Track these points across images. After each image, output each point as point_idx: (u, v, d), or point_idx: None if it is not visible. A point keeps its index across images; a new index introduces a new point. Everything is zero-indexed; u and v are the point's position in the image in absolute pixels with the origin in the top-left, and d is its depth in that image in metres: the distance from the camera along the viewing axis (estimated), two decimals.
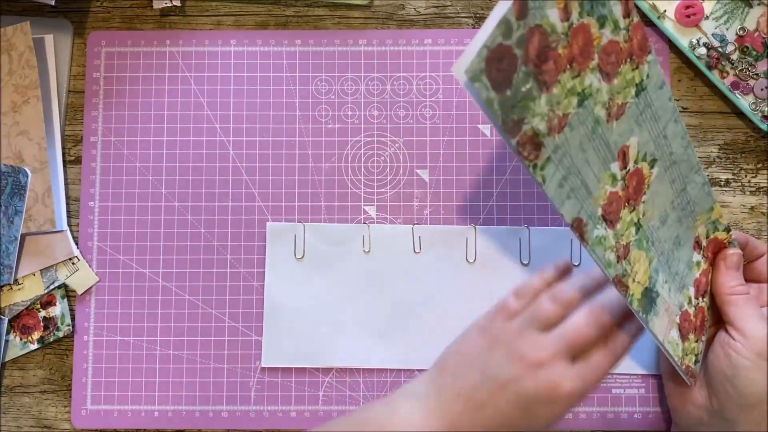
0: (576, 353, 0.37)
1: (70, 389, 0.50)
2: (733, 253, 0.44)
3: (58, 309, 0.50)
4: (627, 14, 0.36)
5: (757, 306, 0.43)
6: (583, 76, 0.35)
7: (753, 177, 0.51)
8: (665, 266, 0.41)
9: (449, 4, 0.53)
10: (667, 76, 0.51)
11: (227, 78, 0.52)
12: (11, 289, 0.50)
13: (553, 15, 0.32)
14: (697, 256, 0.43)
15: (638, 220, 0.39)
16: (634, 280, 0.38)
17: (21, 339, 0.50)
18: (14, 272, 0.50)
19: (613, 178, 0.37)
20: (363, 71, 0.52)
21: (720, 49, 0.50)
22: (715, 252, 0.45)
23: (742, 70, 0.50)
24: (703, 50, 0.50)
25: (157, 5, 0.53)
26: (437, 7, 0.53)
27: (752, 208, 0.51)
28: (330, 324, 0.50)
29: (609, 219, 0.37)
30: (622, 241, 0.38)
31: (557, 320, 0.38)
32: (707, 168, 0.51)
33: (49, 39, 0.52)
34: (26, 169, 0.50)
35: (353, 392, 0.49)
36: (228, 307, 0.50)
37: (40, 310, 0.50)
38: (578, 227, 0.36)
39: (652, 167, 0.39)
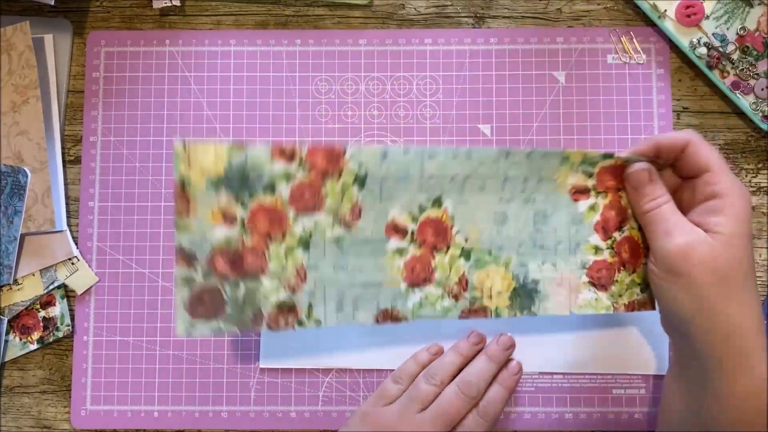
0: (452, 423, 0.42)
1: (70, 389, 0.50)
2: (631, 172, 0.41)
3: (58, 309, 0.50)
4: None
5: (672, 216, 0.39)
6: (291, 231, 0.37)
7: (753, 177, 0.51)
8: (533, 251, 0.42)
9: (449, 4, 0.53)
10: (668, 76, 0.51)
11: (227, 78, 0.52)
12: (11, 289, 0.50)
13: (219, 231, 0.36)
14: (583, 204, 0.42)
15: (462, 250, 0.41)
16: (490, 297, 0.41)
17: (21, 339, 0.50)
18: (14, 272, 0.50)
19: (399, 252, 0.40)
20: (363, 71, 0.52)
21: (720, 49, 0.50)
22: (616, 177, 0.42)
23: (743, 69, 0.49)
24: (703, 50, 0.50)
25: (156, 5, 0.52)
26: (437, 7, 0.53)
27: (752, 208, 0.51)
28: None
29: (420, 281, 0.40)
30: (452, 280, 0.41)
31: (433, 398, 0.43)
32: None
33: (48, 39, 0.52)
34: (26, 169, 0.50)
35: (353, 392, 0.49)
36: None
37: (40, 310, 0.50)
38: (385, 317, 0.40)
39: (440, 206, 0.40)
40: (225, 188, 0.37)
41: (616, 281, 0.43)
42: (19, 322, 0.50)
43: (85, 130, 0.52)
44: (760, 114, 0.49)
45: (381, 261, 0.40)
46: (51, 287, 0.50)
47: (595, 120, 0.51)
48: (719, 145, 0.51)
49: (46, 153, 0.51)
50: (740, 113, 0.51)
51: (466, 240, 0.41)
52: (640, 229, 0.42)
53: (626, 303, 0.43)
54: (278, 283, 0.37)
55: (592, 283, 0.43)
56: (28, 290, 0.50)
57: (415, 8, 0.53)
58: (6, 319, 0.50)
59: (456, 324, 0.46)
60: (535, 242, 0.42)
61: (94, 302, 0.50)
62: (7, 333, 0.50)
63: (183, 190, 0.37)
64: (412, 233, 0.40)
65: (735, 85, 0.50)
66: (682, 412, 0.41)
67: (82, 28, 0.53)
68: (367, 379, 0.50)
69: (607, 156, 0.41)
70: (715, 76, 0.50)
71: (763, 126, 0.49)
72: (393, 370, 0.49)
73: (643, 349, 0.49)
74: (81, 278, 0.50)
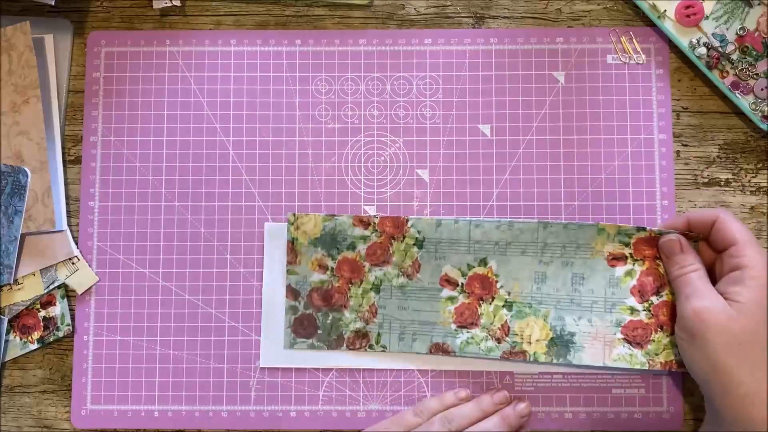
0: None
1: (70, 389, 0.50)
2: (664, 241, 0.46)
3: (58, 309, 0.50)
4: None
5: (697, 282, 0.43)
6: (366, 278, 0.48)
7: (753, 177, 0.51)
8: (570, 307, 0.47)
9: (449, 4, 0.53)
10: (667, 76, 0.51)
11: (227, 78, 0.52)
12: (11, 289, 0.50)
13: (316, 276, 0.49)
14: (620, 269, 0.47)
15: (505, 302, 0.48)
16: (530, 343, 0.47)
17: (21, 339, 0.50)
18: (14, 272, 0.50)
19: (451, 299, 0.48)
20: (363, 71, 0.52)
21: (720, 49, 0.50)
22: (653, 247, 0.47)
23: (742, 69, 0.50)
24: (703, 50, 0.50)
25: (157, 5, 0.52)
26: (437, 7, 0.53)
27: (752, 208, 0.51)
28: None
29: (467, 324, 0.48)
30: (495, 326, 0.47)
31: None
32: (708, 168, 0.51)
33: (48, 39, 0.52)
34: (26, 168, 0.50)
35: (353, 392, 0.49)
36: (228, 307, 0.50)
37: (40, 310, 0.50)
38: (437, 350, 0.48)
39: (486, 265, 0.48)
40: (321, 246, 0.49)
41: (653, 341, 0.46)
42: (20, 322, 0.50)
43: (85, 130, 0.52)
44: (760, 114, 0.49)
45: (435, 305, 0.48)
46: (51, 287, 0.50)
47: (594, 120, 0.51)
48: (719, 145, 0.51)
49: (46, 153, 0.51)
50: (740, 113, 0.51)
51: (509, 293, 0.48)
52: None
53: (662, 361, 0.46)
54: (356, 315, 0.49)
55: (627, 341, 0.47)
56: (29, 290, 0.50)
57: (415, 8, 0.53)
58: (6, 318, 0.50)
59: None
60: (572, 300, 0.47)
61: (94, 302, 0.51)
62: (8, 333, 0.50)
63: (293, 246, 0.49)
64: (462, 285, 0.48)
65: (734, 85, 0.50)
66: None
67: (83, 28, 0.53)
68: (367, 379, 0.50)
69: (641, 229, 0.46)
70: (714, 76, 0.50)
71: (763, 126, 0.49)
72: (393, 370, 0.49)
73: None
74: (81, 278, 0.50)
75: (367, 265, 0.48)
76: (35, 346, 0.50)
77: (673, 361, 0.46)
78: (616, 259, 0.47)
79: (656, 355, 0.46)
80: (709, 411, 0.44)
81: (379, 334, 0.48)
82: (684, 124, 0.51)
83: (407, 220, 0.48)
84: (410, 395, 0.49)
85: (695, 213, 0.45)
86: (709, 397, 0.42)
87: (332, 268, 0.48)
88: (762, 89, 0.49)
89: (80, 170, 0.52)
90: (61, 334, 0.50)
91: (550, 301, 0.47)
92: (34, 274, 0.50)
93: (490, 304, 0.48)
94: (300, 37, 0.53)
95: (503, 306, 0.48)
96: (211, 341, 0.50)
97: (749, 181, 0.51)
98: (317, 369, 0.50)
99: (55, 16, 0.53)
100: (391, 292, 0.48)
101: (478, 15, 0.53)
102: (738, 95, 0.50)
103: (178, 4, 0.52)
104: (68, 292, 0.51)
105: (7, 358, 0.50)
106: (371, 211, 0.51)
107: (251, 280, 0.50)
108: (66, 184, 0.52)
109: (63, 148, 0.52)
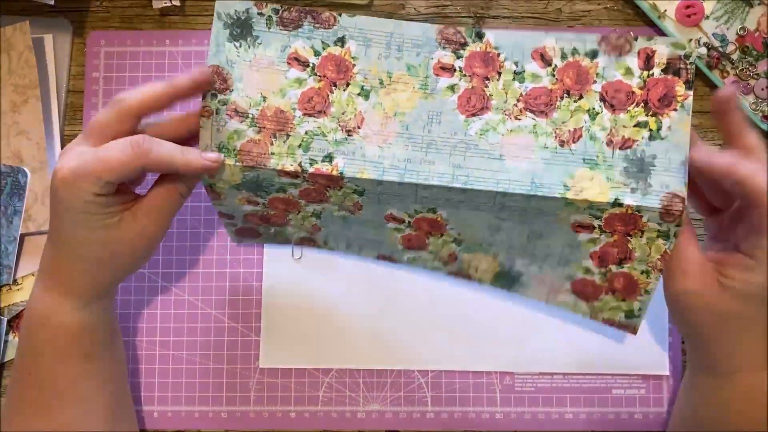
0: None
1: None
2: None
3: None
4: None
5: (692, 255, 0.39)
6: (304, 210, 0.45)
7: None
8: (522, 254, 0.44)
9: (449, 4, 0.53)
10: None
11: None
12: (11, 289, 0.50)
13: (247, 207, 0.45)
14: (584, 236, 0.42)
15: (454, 239, 0.45)
16: (476, 270, 0.46)
17: None
18: (14, 272, 0.50)
19: (397, 230, 0.46)
20: None
21: (720, 49, 0.50)
22: (627, 224, 0.41)
23: (743, 69, 0.50)
24: (703, 50, 0.50)
25: (156, 5, 0.52)
26: (437, 7, 0.53)
27: None
28: (329, 324, 0.50)
29: (415, 248, 0.46)
30: (444, 253, 0.46)
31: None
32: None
33: (48, 39, 0.52)
34: (25, 168, 0.50)
35: (353, 392, 0.49)
36: (228, 307, 0.50)
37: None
38: (384, 258, 0.48)
39: (435, 213, 0.43)
40: (245, 189, 0.43)
41: (600, 300, 0.44)
42: (20, 322, 0.50)
43: None
44: (760, 114, 0.49)
45: (381, 232, 0.46)
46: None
47: None
48: (719, 145, 0.51)
49: (45, 153, 0.51)
50: None
51: (459, 234, 0.45)
52: (643, 273, 0.42)
53: (605, 318, 0.45)
54: (299, 229, 0.47)
55: (575, 293, 0.45)
56: (28, 290, 0.50)
57: (415, 8, 0.53)
58: (6, 319, 0.50)
59: (457, 324, 0.49)
60: (525, 249, 0.44)
61: None
62: (7, 333, 0.50)
63: (212, 189, 0.44)
64: (409, 222, 0.45)
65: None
66: (703, 408, 0.43)
67: (82, 28, 0.53)
68: (367, 379, 0.50)
69: (617, 204, 0.40)
70: (715, 76, 0.50)
71: (763, 126, 0.49)
72: (393, 371, 0.49)
73: (643, 349, 0.49)
74: None
75: (302, 201, 0.44)
76: None
77: (617, 322, 0.44)
78: (581, 227, 0.41)
79: (600, 311, 0.44)
80: (701, 356, 0.42)
81: (326, 241, 0.48)
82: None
83: (341, 177, 0.41)
84: (410, 395, 0.49)
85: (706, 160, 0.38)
86: (705, 342, 0.41)
87: (263, 203, 0.44)
88: (762, 89, 0.49)
89: None
90: None
91: (502, 245, 0.44)
92: (33, 274, 0.50)
93: (439, 238, 0.45)
94: None
95: (452, 242, 0.45)
96: (211, 341, 0.50)
97: None
98: (317, 369, 0.50)
99: (54, 16, 0.53)
100: (333, 219, 0.45)
101: (478, 15, 0.53)
102: (738, 95, 0.50)
103: (178, 4, 0.52)
104: None
105: (7, 358, 0.50)
106: None
107: (251, 281, 0.50)
108: None
109: (63, 148, 0.52)
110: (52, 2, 0.49)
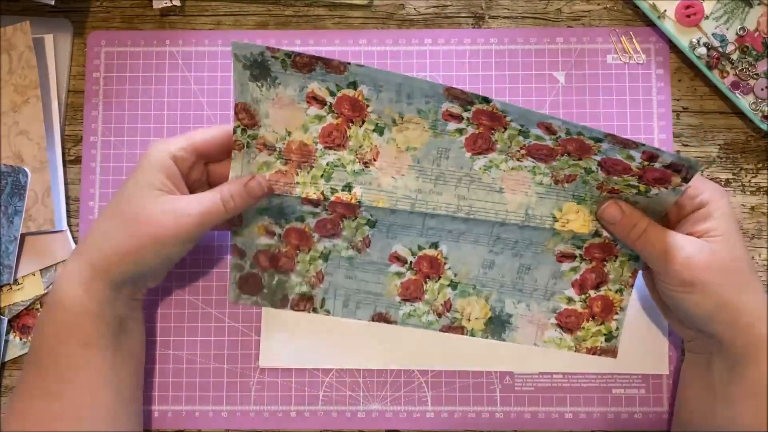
0: None
1: None
2: (602, 211, 0.44)
3: None
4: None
5: (661, 235, 0.42)
6: (314, 247, 0.48)
7: (753, 177, 0.51)
8: (512, 292, 0.48)
9: (449, 4, 0.53)
10: (667, 76, 0.51)
11: (227, 78, 0.52)
12: (11, 289, 0.50)
13: (263, 239, 0.47)
14: (567, 265, 0.47)
15: (450, 282, 0.48)
16: (468, 320, 0.49)
17: (21, 339, 0.50)
18: (14, 272, 0.50)
19: (398, 274, 0.48)
20: None
21: (720, 49, 0.50)
22: (604, 252, 0.46)
23: (743, 69, 0.50)
24: (703, 50, 0.50)
25: (157, 5, 0.52)
26: (437, 7, 0.53)
27: (752, 208, 0.51)
28: (329, 324, 0.50)
29: (412, 298, 0.49)
30: (438, 302, 0.48)
31: None
32: (708, 168, 0.51)
33: (49, 39, 0.52)
34: (26, 168, 0.50)
35: (353, 392, 0.49)
36: (228, 307, 0.50)
37: (40, 310, 0.50)
38: (380, 318, 0.49)
39: (436, 248, 0.47)
40: (268, 215, 0.47)
41: (583, 328, 0.48)
42: (20, 322, 0.50)
43: (85, 130, 0.52)
44: (760, 114, 0.49)
45: (383, 278, 0.48)
46: (51, 287, 0.50)
47: (594, 120, 0.51)
48: (719, 145, 0.51)
49: (46, 153, 0.51)
50: (740, 113, 0.51)
51: (456, 275, 0.48)
52: (617, 291, 0.47)
53: (588, 347, 0.48)
54: (302, 279, 0.49)
55: (560, 326, 0.48)
56: (29, 290, 0.50)
57: (415, 8, 0.53)
58: (6, 318, 0.50)
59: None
60: (515, 286, 0.48)
61: None
62: (8, 333, 0.50)
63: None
64: (411, 263, 0.48)
65: (735, 85, 0.50)
66: (707, 406, 0.43)
67: (83, 28, 0.53)
68: (367, 379, 0.50)
69: (596, 235, 0.45)
70: (714, 76, 0.50)
71: (763, 126, 0.49)
72: (393, 371, 0.49)
73: (643, 349, 0.49)
74: None
75: (316, 235, 0.47)
76: None
77: (599, 348, 0.48)
78: (565, 256, 0.47)
79: (584, 341, 0.48)
80: (704, 353, 0.44)
81: (324, 299, 0.49)
82: (684, 124, 0.51)
83: (359, 206, 0.46)
84: (410, 395, 0.49)
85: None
86: (714, 335, 0.42)
87: (279, 234, 0.47)
88: (762, 89, 0.49)
89: (80, 170, 0.52)
90: None
91: (494, 285, 0.48)
92: (34, 274, 0.50)
93: (436, 282, 0.48)
94: (300, 37, 0.53)
95: (448, 285, 0.48)
96: (211, 341, 0.50)
97: (749, 181, 0.51)
98: (317, 369, 0.50)
99: (55, 16, 0.53)
100: (339, 262, 0.48)
101: (478, 15, 0.53)
102: (738, 95, 0.50)
103: (178, 4, 0.52)
104: None
105: (7, 358, 0.50)
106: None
107: None
108: (66, 184, 0.52)
109: (63, 148, 0.52)
110: (53, 2, 0.49)
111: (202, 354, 0.50)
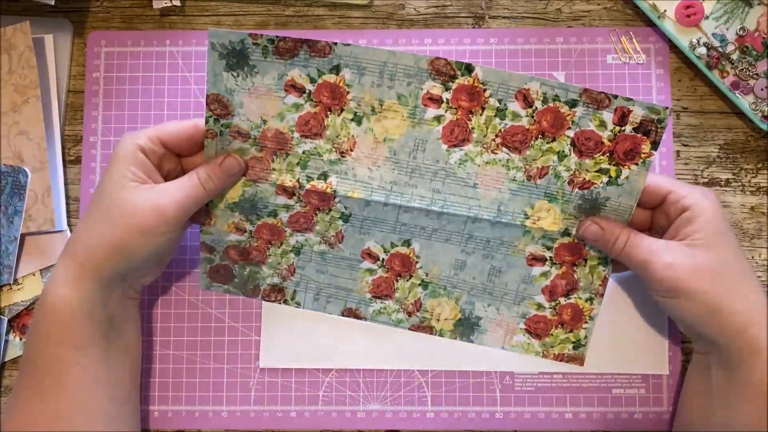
0: None
1: None
2: (582, 233, 0.44)
3: None
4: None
5: (642, 244, 0.42)
6: (287, 241, 0.48)
7: (753, 177, 0.51)
8: (482, 295, 0.48)
9: (449, 4, 0.53)
10: (667, 76, 0.51)
11: None
12: (11, 289, 0.50)
13: (233, 236, 0.47)
14: (537, 269, 0.47)
15: (421, 281, 0.48)
16: (438, 320, 0.49)
17: (21, 339, 0.50)
18: (14, 272, 0.50)
19: (370, 271, 0.48)
20: None
21: (720, 49, 0.50)
22: (574, 254, 0.46)
23: (742, 70, 0.50)
24: (703, 50, 0.50)
25: (157, 5, 0.53)
26: (437, 7, 0.53)
27: (752, 208, 0.51)
28: (329, 324, 0.50)
29: (382, 295, 0.49)
30: (409, 301, 0.49)
31: None
32: (708, 168, 0.51)
33: (48, 39, 0.52)
34: (26, 168, 0.50)
35: (353, 392, 0.49)
36: (228, 307, 0.50)
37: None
38: (350, 314, 0.49)
39: (409, 246, 0.47)
40: (238, 211, 0.47)
41: (551, 335, 0.48)
42: (20, 322, 0.50)
43: (85, 130, 0.52)
44: (760, 114, 0.49)
45: (354, 274, 0.48)
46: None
47: None
48: (719, 145, 0.51)
49: (46, 153, 0.51)
50: (740, 113, 0.51)
51: (427, 275, 0.48)
52: (587, 300, 0.47)
53: (556, 354, 0.49)
54: (273, 271, 0.49)
55: (528, 331, 0.48)
56: (29, 290, 0.50)
57: (415, 8, 0.53)
58: (6, 318, 0.50)
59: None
60: (485, 289, 0.48)
61: None
62: (7, 333, 0.50)
63: (207, 208, 0.47)
64: (383, 260, 0.48)
65: (734, 85, 0.50)
66: (707, 406, 0.43)
67: (83, 28, 0.53)
68: (367, 379, 0.50)
69: (566, 234, 0.46)
70: (714, 76, 0.50)
71: (763, 126, 0.50)
72: (393, 371, 0.49)
73: (643, 349, 0.49)
74: None
75: (288, 230, 0.47)
76: None
77: (566, 355, 0.48)
78: (535, 259, 0.47)
79: (551, 347, 0.49)
80: (704, 353, 0.44)
81: (295, 292, 0.49)
82: (684, 124, 0.51)
83: (335, 196, 0.46)
84: (410, 395, 0.49)
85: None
86: (708, 336, 0.42)
87: (250, 231, 0.47)
88: (762, 89, 0.49)
89: (80, 170, 0.52)
90: None
91: (465, 286, 0.48)
92: (34, 274, 0.50)
93: (407, 281, 0.48)
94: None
95: (419, 284, 0.48)
96: (211, 341, 0.50)
97: (749, 181, 0.51)
98: (317, 369, 0.50)
99: (55, 16, 0.53)
100: (311, 257, 0.48)
101: (478, 15, 0.53)
102: (738, 95, 0.50)
103: (178, 4, 0.52)
104: None
105: (7, 358, 0.50)
106: None
107: None
108: (66, 184, 0.52)
109: (63, 148, 0.52)
110: (53, 2, 0.49)
111: (202, 354, 0.50)
